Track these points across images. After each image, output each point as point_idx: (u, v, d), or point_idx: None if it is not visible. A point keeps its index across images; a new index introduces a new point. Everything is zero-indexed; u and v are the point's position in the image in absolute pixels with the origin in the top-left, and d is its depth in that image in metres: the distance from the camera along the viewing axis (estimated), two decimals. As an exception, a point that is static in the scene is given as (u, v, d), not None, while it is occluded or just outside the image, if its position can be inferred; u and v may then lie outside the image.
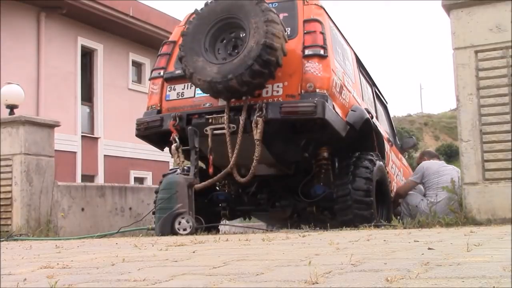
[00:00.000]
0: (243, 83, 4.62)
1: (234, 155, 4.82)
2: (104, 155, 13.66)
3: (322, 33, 4.96)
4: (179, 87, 5.29)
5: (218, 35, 4.94)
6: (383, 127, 6.73)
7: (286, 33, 4.81)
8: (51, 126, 6.79)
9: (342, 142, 5.14)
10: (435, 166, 6.44)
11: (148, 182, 14.40)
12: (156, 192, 5.06)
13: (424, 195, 6.26)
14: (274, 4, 5.14)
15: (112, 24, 13.41)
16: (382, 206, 5.47)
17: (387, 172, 5.88)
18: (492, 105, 3.95)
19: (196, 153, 4.85)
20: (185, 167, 5.07)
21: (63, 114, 11.30)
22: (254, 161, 4.76)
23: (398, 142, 7.84)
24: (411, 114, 61.48)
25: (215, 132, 4.88)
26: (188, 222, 4.46)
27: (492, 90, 3.96)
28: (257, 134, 4.69)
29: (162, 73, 5.43)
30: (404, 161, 7.94)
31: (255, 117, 4.71)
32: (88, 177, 13.08)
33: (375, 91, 7.02)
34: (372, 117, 5.79)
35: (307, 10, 5.13)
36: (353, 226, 4.52)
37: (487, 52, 4.00)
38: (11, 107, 8.50)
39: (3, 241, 5.07)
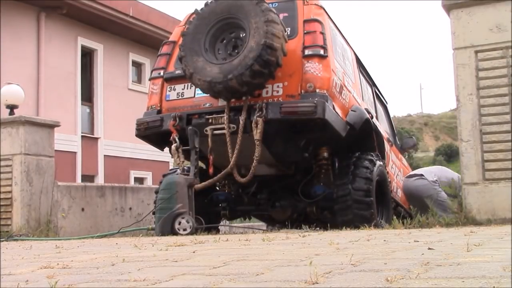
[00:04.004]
0: (243, 83, 4.62)
1: (234, 155, 4.82)
2: (104, 155, 13.65)
3: (322, 33, 4.95)
4: (179, 87, 5.29)
5: (218, 35, 4.94)
6: (383, 127, 6.73)
7: (286, 33, 4.81)
8: (51, 126, 6.79)
9: (342, 142, 5.14)
10: None
11: (148, 182, 14.40)
12: (156, 192, 5.06)
13: None
14: (274, 4, 5.14)
15: (112, 24, 13.40)
16: (382, 206, 5.47)
17: (387, 172, 5.88)
18: (492, 105, 3.95)
19: (196, 153, 4.85)
20: (185, 167, 5.07)
21: (63, 114, 11.30)
22: (254, 161, 4.76)
23: (398, 142, 7.84)
24: (411, 114, 61.58)
25: (215, 132, 4.88)
26: (188, 222, 4.47)
27: (492, 90, 3.96)
28: (257, 134, 4.69)
29: (162, 73, 5.43)
30: (404, 161, 7.94)
31: (255, 117, 4.71)
32: (88, 177, 13.07)
33: (375, 91, 7.02)
34: (372, 117, 5.79)
35: (307, 10, 5.13)
36: (353, 226, 4.52)
37: (487, 52, 4.01)
38: (11, 107, 8.49)
39: (3, 241, 5.07)
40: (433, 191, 6.58)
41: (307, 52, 4.89)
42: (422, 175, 6.79)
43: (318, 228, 5.56)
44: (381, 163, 5.47)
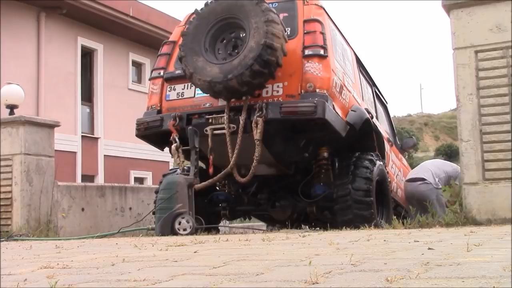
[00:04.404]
0: (243, 83, 4.62)
1: (234, 155, 4.82)
2: (104, 155, 13.65)
3: (322, 33, 4.95)
4: (179, 87, 5.29)
5: (218, 35, 4.94)
6: (383, 127, 6.73)
7: (286, 33, 4.81)
8: (51, 126, 6.79)
9: (342, 142, 5.14)
10: None
11: (148, 182, 14.40)
12: (156, 192, 5.06)
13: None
14: (274, 4, 5.14)
15: (112, 24, 13.40)
16: (382, 206, 5.47)
17: (387, 172, 5.88)
18: (492, 105, 3.95)
19: (196, 153, 4.85)
20: (185, 167, 5.07)
21: (63, 114, 11.29)
22: (254, 161, 4.76)
23: (398, 142, 7.84)
24: (411, 114, 61.60)
25: (215, 132, 4.88)
26: (188, 222, 4.47)
27: (492, 90, 3.96)
28: (257, 134, 4.69)
29: (162, 73, 5.43)
30: (404, 161, 7.94)
31: (255, 117, 4.71)
32: (88, 177, 13.07)
33: (375, 91, 7.02)
34: (372, 117, 5.79)
35: (307, 10, 5.13)
36: (353, 226, 4.53)
37: (487, 52, 4.00)
38: (11, 107, 8.49)
39: (3, 241, 5.08)
40: (437, 195, 6.65)
41: (307, 52, 4.89)
42: (425, 179, 6.82)
43: (318, 228, 5.57)
44: (381, 163, 5.47)
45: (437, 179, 6.78)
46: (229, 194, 5.79)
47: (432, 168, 7.08)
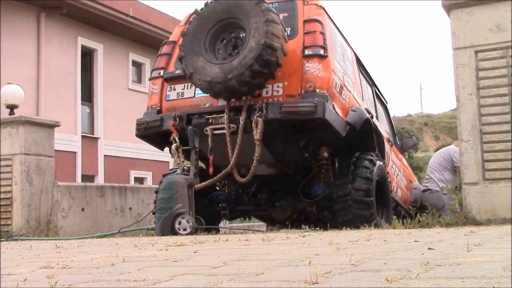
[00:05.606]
0: (243, 83, 4.62)
1: (234, 155, 4.82)
2: (104, 155, 13.66)
3: (322, 33, 4.95)
4: (179, 87, 5.29)
5: (218, 35, 4.94)
6: (383, 127, 6.73)
7: (286, 33, 4.81)
8: (51, 126, 6.79)
9: (342, 142, 5.14)
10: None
11: (148, 182, 14.40)
12: (156, 192, 5.06)
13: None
14: (274, 4, 5.14)
15: (112, 24, 13.41)
16: (382, 206, 5.47)
17: (387, 172, 5.88)
18: (492, 105, 3.95)
19: (196, 153, 4.85)
20: (185, 167, 5.07)
21: (63, 114, 11.30)
22: (254, 161, 4.76)
23: (398, 142, 7.84)
24: (411, 114, 61.66)
25: (215, 132, 4.88)
26: (188, 222, 4.47)
27: (492, 90, 3.96)
28: (257, 134, 4.69)
29: (162, 73, 5.43)
30: (404, 161, 7.94)
31: (255, 117, 4.71)
32: (88, 177, 13.08)
33: (375, 91, 7.02)
34: (372, 117, 5.79)
35: (307, 10, 5.13)
36: (353, 226, 4.53)
37: (487, 52, 4.01)
38: (11, 107, 8.50)
39: (3, 241, 5.08)
40: (446, 201, 6.83)
41: (307, 52, 4.88)
42: (430, 189, 7.25)
43: (318, 228, 5.56)
44: (381, 163, 5.47)
45: (441, 185, 6.95)
46: (229, 194, 5.79)
47: (434, 175, 7.30)
